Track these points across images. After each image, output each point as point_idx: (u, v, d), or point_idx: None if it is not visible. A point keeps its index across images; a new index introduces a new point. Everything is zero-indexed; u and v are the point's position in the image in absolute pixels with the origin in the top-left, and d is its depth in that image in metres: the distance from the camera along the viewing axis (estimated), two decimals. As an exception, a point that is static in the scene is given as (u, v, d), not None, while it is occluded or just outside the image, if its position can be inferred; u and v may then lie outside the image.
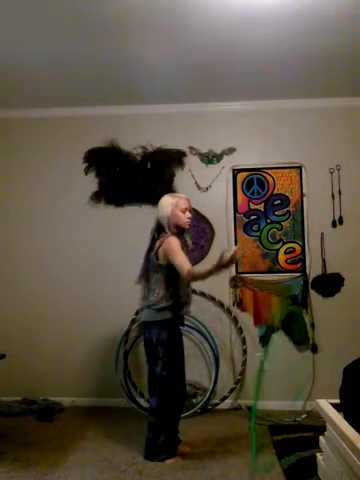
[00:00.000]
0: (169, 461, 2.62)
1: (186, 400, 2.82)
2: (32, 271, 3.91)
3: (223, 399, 3.62)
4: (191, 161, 3.88)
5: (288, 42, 2.92)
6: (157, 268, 2.66)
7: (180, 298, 2.67)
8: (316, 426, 2.96)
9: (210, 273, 2.37)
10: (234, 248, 2.51)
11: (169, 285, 2.65)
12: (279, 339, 3.69)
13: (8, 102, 3.83)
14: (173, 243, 2.59)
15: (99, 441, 2.98)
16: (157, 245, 2.66)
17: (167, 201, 2.73)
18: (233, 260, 2.35)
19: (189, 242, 3.82)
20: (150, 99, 3.79)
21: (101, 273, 3.87)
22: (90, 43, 2.91)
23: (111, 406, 3.75)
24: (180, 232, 2.75)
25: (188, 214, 2.73)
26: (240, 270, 3.79)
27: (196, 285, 3.68)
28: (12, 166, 4.00)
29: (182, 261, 2.52)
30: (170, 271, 2.61)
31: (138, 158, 3.87)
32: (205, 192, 3.85)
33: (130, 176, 3.83)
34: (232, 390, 3.64)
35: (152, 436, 2.65)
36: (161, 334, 2.62)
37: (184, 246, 2.71)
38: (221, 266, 2.32)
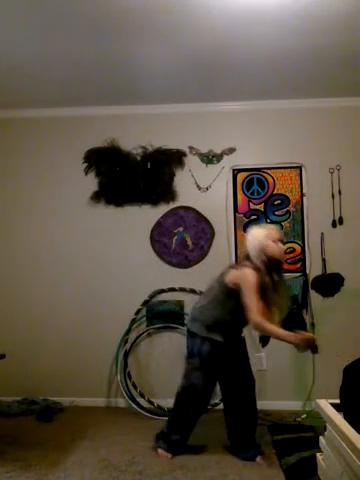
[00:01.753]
0: (160, 451, 2.68)
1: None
2: (32, 271, 3.91)
3: (223, 399, 3.61)
4: (191, 161, 3.88)
5: (288, 42, 2.91)
6: (224, 289, 2.58)
7: (230, 327, 2.62)
8: (316, 426, 2.96)
9: (284, 338, 2.39)
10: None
11: (227, 309, 2.59)
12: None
13: (8, 102, 3.83)
14: (251, 277, 2.44)
15: (99, 441, 2.98)
16: (236, 267, 2.60)
17: (258, 233, 2.60)
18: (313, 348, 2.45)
19: (189, 243, 3.82)
20: (150, 99, 3.78)
21: (101, 273, 3.87)
22: (90, 43, 2.91)
23: (111, 406, 3.76)
24: (273, 267, 2.53)
25: (281, 245, 2.58)
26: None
27: (194, 284, 3.69)
28: (12, 166, 4.00)
29: (253, 306, 2.41)
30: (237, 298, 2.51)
31: (138, 158, 3.86)
32: (205, 192, 3.85)
33: (130, 176, 3.83)
34: (232, 390, 3.64)
35: (167, 430, 2.74)
36: (202, 347, 2.60)
37: (271, 286, 2.51)
38: (302, 344, 2.41)
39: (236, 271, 2.56)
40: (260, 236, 2.56)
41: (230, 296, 2.55)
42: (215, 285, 2.65)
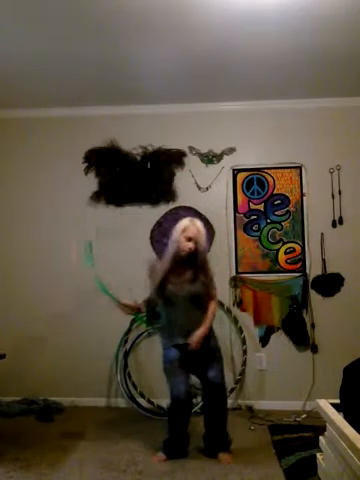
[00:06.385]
0: (154, 456, 2.67)
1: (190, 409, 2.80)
2: (32, 271, 3.91)
3: (223, 399, 3.61)
4: (191, 161, 3.88)
5: (288, 42, 2.91)
6: None
7: (169, 326, 2.77)
8: (316, 426, 2.96)
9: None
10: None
11: (163, 311, 2.85)
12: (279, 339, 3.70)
13: (8, 102, 3.83)
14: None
15: (99, 441, 2.98)
16: None
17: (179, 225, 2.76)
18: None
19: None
20: (150, 99, 3.78)
21: (101, 273, 3.85)
22: (90, 43, 2.91)
23: (111, 406, 3.76)
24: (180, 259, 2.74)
25: (189, 244, 2.71)
26: (240, 270, 3.79)
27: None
28: (12, 166, 4.00)
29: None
30: (161, 297, 2.83)
31: (138, 158, 3.87)
32: (205, 192, 3.85)
33: (130, 176, 3.83)
34: (232, 390, 3.63)
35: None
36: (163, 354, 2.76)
37: (176, 273, 2.76)
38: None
39: None
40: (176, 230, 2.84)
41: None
42: None
